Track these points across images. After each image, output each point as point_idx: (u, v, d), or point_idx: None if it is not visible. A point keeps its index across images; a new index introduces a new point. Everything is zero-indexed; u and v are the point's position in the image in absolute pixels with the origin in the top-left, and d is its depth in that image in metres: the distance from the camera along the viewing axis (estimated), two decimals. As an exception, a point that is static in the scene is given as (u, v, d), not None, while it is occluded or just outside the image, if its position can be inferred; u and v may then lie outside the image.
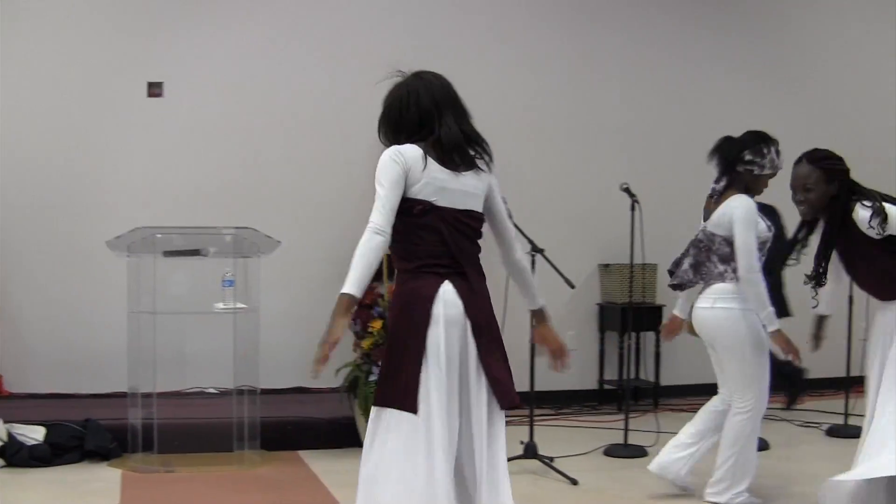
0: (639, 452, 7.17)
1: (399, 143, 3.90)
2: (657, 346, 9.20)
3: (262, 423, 6.86)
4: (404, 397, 3.80)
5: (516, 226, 6.56)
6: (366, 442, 3.91)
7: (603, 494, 6.18)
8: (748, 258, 5.50)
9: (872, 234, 4.99)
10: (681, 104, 9.69)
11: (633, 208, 7.26)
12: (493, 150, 4.08)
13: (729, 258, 5.62)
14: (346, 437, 7.21)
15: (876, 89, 10.15)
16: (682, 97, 9.70)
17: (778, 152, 5.74)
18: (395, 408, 3.81)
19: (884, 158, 9.29)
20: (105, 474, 6.46)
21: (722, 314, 5.66)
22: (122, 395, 6.97)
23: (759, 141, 5.72)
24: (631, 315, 8.38)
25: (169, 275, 6.99)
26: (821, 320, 5.83)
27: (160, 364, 6.75)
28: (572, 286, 6.79)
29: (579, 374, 9.02)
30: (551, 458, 6.70)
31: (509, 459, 6.69)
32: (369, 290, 7.56)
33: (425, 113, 3.94)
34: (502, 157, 9.28)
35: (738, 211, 5.56)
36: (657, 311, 9.16)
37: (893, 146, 9.76)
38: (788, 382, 8.48)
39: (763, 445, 6.84)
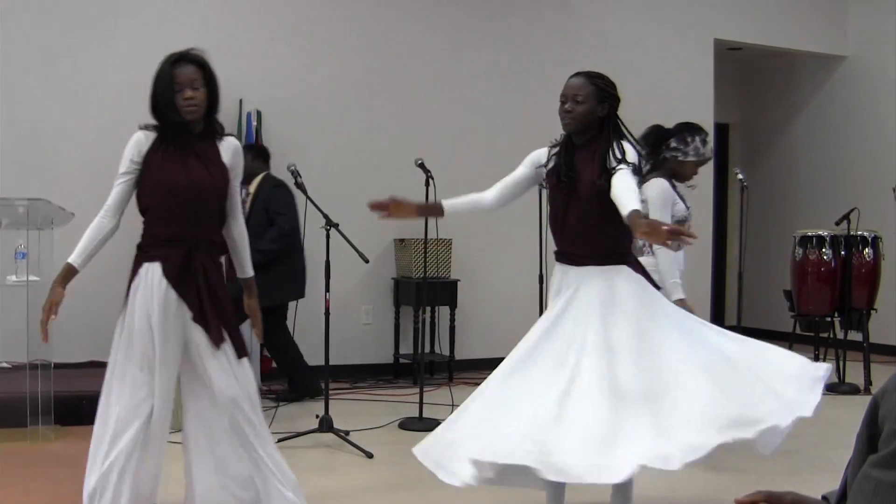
0: (434, 425, 7.27)
1: None
2: (452, 320, 9.40)
3: (56, 398, 6.76)
4: None
5: (311, 200, 6.67)
6: None
7: (398, 467, 6.25)
8: None
9: (610, 181, 4.51)
10: (467, 83, 9.94)
11: (427, 183, 7.39)
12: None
13: None
14: (141, 411, 7.18)
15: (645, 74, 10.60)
16: (467, 76, 9.94)
17: (704, 142, 6.16)
18: None
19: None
20: None
21: None
22: (-90, 371, 6.80)
23: (684, 130, 6.14)
24: (426, 290, 8.47)
25: (-42, 247, 6.85)
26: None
27: (-51, 338, 6.61)
28: (366, 260, 6.86)
29: (375, 347, 9.16)
30: (347, 432, 6.75)
31: (306, 433, 6.82)
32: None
33: None
34: (294, 133, 9.31)
35: (653, 192, 5.93)
36: (452, 285, 9.38)
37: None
38: (295, 375, 8.25)
39: None
